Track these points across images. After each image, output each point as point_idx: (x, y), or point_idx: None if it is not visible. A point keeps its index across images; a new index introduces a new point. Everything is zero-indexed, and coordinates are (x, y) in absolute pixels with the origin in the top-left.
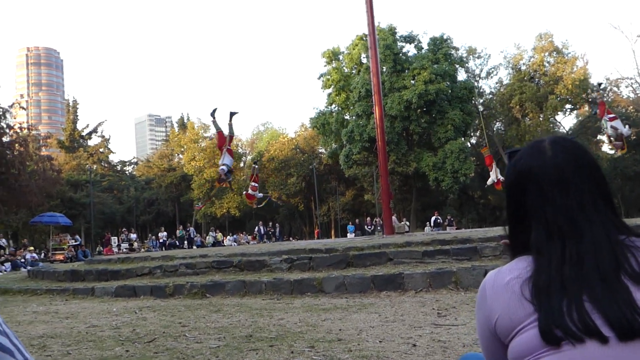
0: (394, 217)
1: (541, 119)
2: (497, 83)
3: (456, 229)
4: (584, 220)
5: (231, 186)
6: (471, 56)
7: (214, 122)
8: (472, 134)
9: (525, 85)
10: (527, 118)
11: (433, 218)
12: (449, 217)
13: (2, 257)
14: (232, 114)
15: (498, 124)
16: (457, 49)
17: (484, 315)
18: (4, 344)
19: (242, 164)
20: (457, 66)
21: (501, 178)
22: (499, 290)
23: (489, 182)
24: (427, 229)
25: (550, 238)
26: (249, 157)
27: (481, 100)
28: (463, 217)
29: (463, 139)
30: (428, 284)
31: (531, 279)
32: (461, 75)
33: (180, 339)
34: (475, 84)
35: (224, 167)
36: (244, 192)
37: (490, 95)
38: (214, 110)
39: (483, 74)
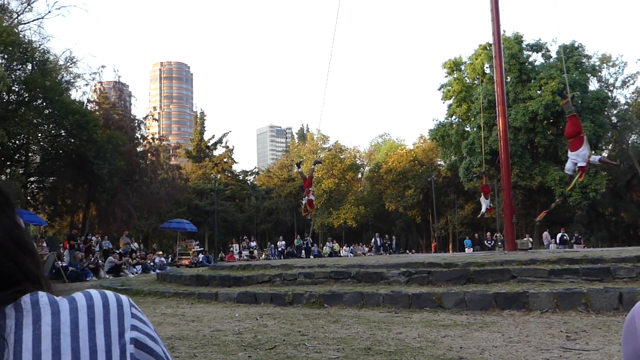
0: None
1: None
2: (633, 93)
3: (583, 247)
4: None
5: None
6: (605, 64)
7: (300, 173)
8: (604, 147)
9: None
10: None
11: (559, 235)
12: (575, 235)
13: (134, 260)
14: (316, 162)
15: (634, 137)
16: (589, 57)
17: (633, 349)
18: (157, 351)
19: (359, 175)
20: (588, 75)
21: (490, 206)
22: None
23: (483, 210)
24: (552, 246)
25: None
26: (366, 169)
27: (615, 111)
28: (592, 235)
29: (594, 152)
30: (555, 304)
31: None
32: (593, 85)
33: (299, 348)
34: (609, 94)
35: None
36: (309, 199)
37: (626, 106)
38: (299, 163)
39: (618, 83)
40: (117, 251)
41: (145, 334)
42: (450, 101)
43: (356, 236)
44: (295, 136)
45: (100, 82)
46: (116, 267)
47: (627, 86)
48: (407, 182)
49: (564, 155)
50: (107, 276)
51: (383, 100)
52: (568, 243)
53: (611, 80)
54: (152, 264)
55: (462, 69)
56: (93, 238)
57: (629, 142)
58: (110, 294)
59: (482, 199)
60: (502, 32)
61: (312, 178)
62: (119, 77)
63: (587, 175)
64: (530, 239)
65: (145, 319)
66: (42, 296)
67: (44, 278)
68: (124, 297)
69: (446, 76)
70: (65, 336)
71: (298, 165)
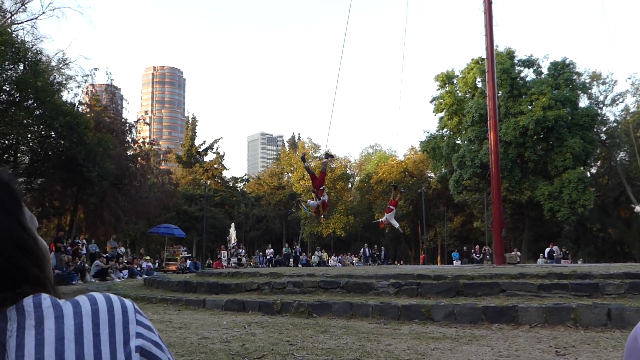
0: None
1: None
2: (622, 111)
3: (571, 262)
4: None
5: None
6: (595, 82)
7: (307, 168)
8: (592, 164)
9: None
10: None
11: (547, 249)
12: (563, 250)
13: (121, 265)
14: (327, 156)
15: (622, 154)
16: (579, 74)
17: None
18: (157, 341)
19: (350, 185)
20: (579, 92)
21: (384, 220)
22: None
23: (382, 220)
24: (540, 260)
25: None
26: (357, 179)
27: (604, 129)
28: (579, 250)
29: (583, 168)
30: (544, 319)
31: None
32: (583, 102)
33: (288, 358)
34: (599, 111)
35: (380, 220)
36: (323, 199)
37: (615, 124)
38: (304, 155)
39: (608, 101)
40: (104, 255)
41: (151, 341)
42: (442, 114)
43: (345, 246)
44: (287, 144)
45: (93, 85)
46: (102, 271)
47: (617, 104)
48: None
49: (554, 171)
50: (93, 280)
51: (375, 110)
52: (556, 258)
53: (601, 98)
54: (139, 268)
55: (454, 82)
56: (79, 241)
57: (617, 159)
58: (114, 298)
59: (387, 214)
60: (494, 47)
61: (325, 174)
62: (111, 80)
63: (576, 191)
64: (519, 253)
65: (150, 325)
66: (45, 299)
67: (49, 280)
68: (128, 302)
69: (438, 89)
70: (69, 342)
71: (303, 159)
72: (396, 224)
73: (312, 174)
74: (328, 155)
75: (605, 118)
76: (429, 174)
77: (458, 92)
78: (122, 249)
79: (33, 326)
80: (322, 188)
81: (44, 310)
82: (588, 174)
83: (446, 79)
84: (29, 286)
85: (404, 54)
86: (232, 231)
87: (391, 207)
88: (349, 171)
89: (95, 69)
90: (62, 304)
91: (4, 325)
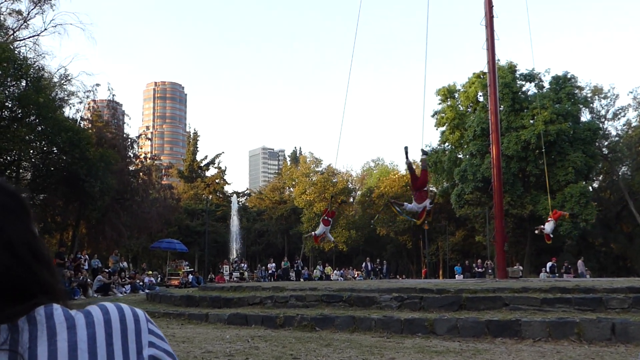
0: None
1: None
2: (624, 125)
3: (573, 276)
4: None
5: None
6: (597, 96)
7: (408, 164)
8: (594, 178)
9: None
10: None
11: (549, 264)
12: (565, 264)
13: (124, 279)
14: (424, 153)
15: (624, 168)
16: (581, 89)
17: None
18: (169, 350)
19: (351, 199)
20: (580, 106)
21: (319, 233)
22: None
23: (316, 233)
24: (542, 274)
25: None
26: (358, 193)
27: (606, 143)
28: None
29: (585, 182)
30: (548, 333)
31: None
32: (585, 116)
33: None
34: (601, 125)
35: (313, 232)
36: (425, 205)
37: (617, 138)
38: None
39: (609, 115)
40: (106, 270)
41: (163, 350)
42: (444, 128)
43: (347, 260)
44: (288, 159)
45: (94, 100)
46: (105, 286)
47: (618, 118)
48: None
49: (556, 185)
50: (95, 295)
51: (377, 124)
52: (558, 272)
53: (603, 112)
54: (141, 283)
55: (456, 96)
56: (81, 256)
57: (620, 173)
58: (126, 307)
59: (324, 227)
60: (496, 61)
61: (427, 173)
62: (113, 95)
63: (579, 206)
64: (521, 267)
65: (161, 334)
66: (57, 309)
67: (60, 290)
68: (140, 312)
69: (440, 103)
70: (83, 352)
71: (424, 152)
72: (331, 238)
73: (413, 171)
74: (424, 152)
75: (607, 132)
76: (431, 188)
77: (460, 106)
78: (125, 263)
79: (46, 338)
80: (425, 189)
81: (55, 321)
82: (590, 188)
83: (447, 93)
84: (44, 296)
85: (425, 60)
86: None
87: (329, 218)
88: (350, 185)
89: (97, 85)
90: (73, 314)
91: (17, 336)
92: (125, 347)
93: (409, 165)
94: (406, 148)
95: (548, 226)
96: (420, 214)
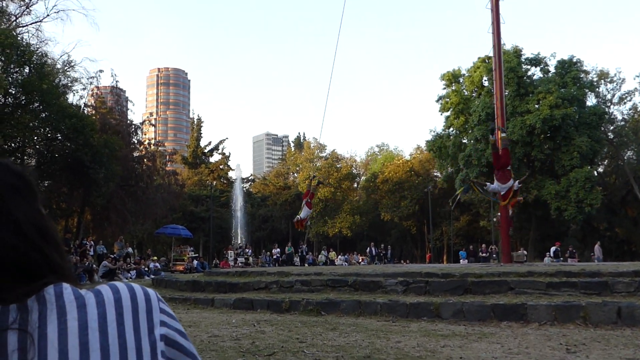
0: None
1: None
2: (630, 109)
3: (577, 261)
4: None
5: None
6: (602, 80)
7: (493, 144)
8: (600, 162)
9: None
10: None
11: (553, 249)
12: (570, 249)
13: (129, 265)
14: (319, 183)
15: (630, 153)
16: (587, 73)
17: None
18: (188, 348)
19: (356, 185)
20: (586, 91)
21: (304, 216)
22: None
23: (301, 217)
24: (546, 259)
25: None
26: (363, 178)
27: (612, 127)
28: (586, 250)
29: (590, 167)
30: (553, 316)
31: None
32: (590, 101)
33: (299, 355)
34: (606, 109)
35: (298, 217)
36: (511, 185)
37: (623, 122)
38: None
39: (615, 100)
40: (112, 256)
41: (175, 329)
42: (448, 113)
43: (351, 245)
44: (292, 144)
45: (98, 87)
46: (110, 271)
47: (624, 102)
48: (403, 193)
49: (560, 170)
50: (101, 280)
51: (381, 110)
52: (563, 257)
53: (608, 96)
54: (146, 269)
55: (461, 81)
56: (87, 243)
57: (625, 158)
58: (137, 287)
59: (308, 210)
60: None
61: (509, 151)
62: (116, 81)
63: (584, 190)
64: (525, 252)
65: (173, 313)
66: (67, 288)
67: (68, 270)
68: (151, 291)
69: (444, 88)
70: (94, 331)
71: (503, 130)
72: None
73: (497, 151)
74: (503, 131)
75: (612, 117)
76: (435, 174)
77: (464, 90)
78: (130, 249)
79: (56, 317)
80: (508, 169)
81: (65, 300)
82: (595, 173)
83: (452, 78)
84: (53, 275)
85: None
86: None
87: (311, 200)
88: (354, 170)
89: (100, 71)
90: (83, 294)
91: (26, 315)
92: (136, 325)
93: (494, 144)
94: (492, 126)
95: None
96: (505, 194)
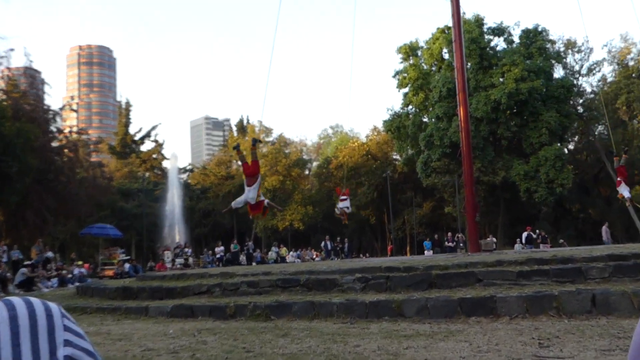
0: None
1: None
2: (599, 81)
3: (550, 246)
4: None
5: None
6: (570, 50)
7: (240, 156)
8: (570, 139)
9: (633, 83)
10: (636, 120)
11: (525, 234)
12: (542, 234)
13: (49, 272)
14: (255, 141)
15: (601, 127)
16: (553, 43)
17: None
18: (89, 349)
19: (307, 172)
20: (553, 62)
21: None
22: None
23: (342, 208)
24: (516, 246)
25: None
26: (314, 164)
27: (581, 101)
28: (559, 233)
29: (560, 144)
30: (525, 309)
31: None
32: (558, 72)
33: None
34: (575, 82)
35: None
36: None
37: (592, 95)
38: (238, 145)
39: (583, 71)
40: (29, 262)
41: (82, 349)
42: (406, 89)
43: (304, 240)
44: (234, 128)
45: (9, 68)
46: (28, 280)
47: (594, 74)
48: (359, 179)
49: (529, 148)
50: (17, 291)
51: (334, 88)
52: (534, 242)
53: (576, 67)
54: (70, 276)
55: (419, 54)
56: None
57: (596, 133)
58: (36, 301)
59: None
60: (462, 14)
61: (257, 161)
62: (30, 62)
63: (554, 170)
64: (495, 239)
65: (81, 331)
66: None
67: None
68: (53, 305)
69: (401, 62)
70: None
71: (236, 147)
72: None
73: (245, 162)
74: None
75: (581, 89)
76: (394, 156)
77: (423, 64)
78: (50, 253)
79: None
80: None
81: None
82: (565, 150)
83: (410, 51)
84: None
85: None
86: None
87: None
88: (305, 156)
89: (11, 50)
90: None
91: None
92: (35, 347)
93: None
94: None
95: (625, 191)
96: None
